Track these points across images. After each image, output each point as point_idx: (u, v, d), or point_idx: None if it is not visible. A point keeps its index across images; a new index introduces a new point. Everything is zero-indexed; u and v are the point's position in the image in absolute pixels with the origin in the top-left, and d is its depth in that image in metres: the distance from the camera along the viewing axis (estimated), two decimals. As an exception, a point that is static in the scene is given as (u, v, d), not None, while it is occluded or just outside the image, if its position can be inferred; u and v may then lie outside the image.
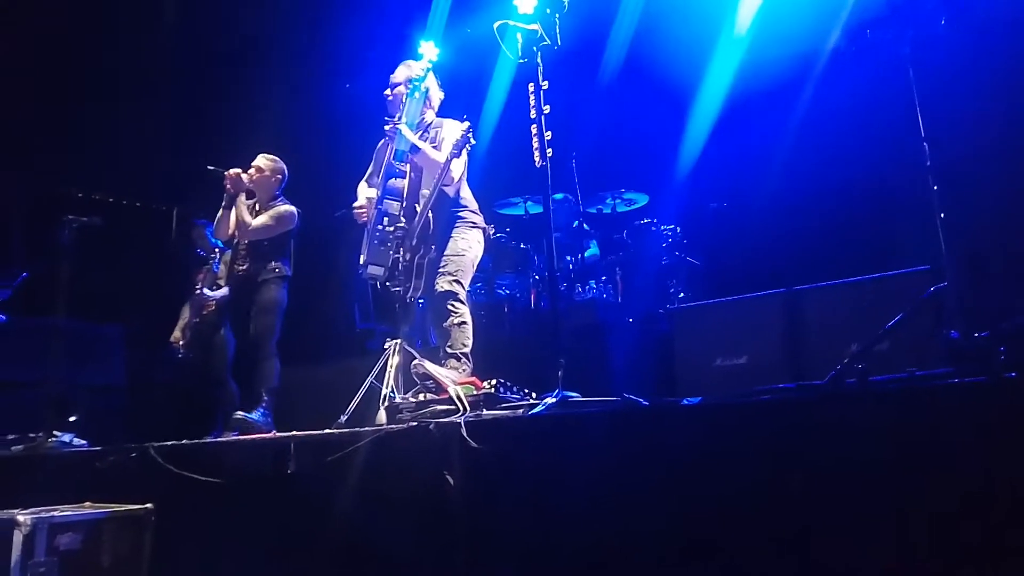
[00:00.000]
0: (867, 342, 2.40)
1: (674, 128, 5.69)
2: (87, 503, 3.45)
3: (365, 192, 4.23)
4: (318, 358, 5.56)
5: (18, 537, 2.97)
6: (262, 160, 4.75)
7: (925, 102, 2.37)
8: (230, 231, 4.67)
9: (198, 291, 5.32)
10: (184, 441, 3.88)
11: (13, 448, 4.67)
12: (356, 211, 4.17)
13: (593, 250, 5.79)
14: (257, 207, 4.72)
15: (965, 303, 2.21)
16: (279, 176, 4.76)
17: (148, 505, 3.38)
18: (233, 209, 4.60)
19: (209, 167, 4.61)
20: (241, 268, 4.66)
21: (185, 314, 5.51)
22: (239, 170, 4.60)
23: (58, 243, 5.22)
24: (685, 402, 2.39)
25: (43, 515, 3.09)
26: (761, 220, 5.19)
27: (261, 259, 4.61)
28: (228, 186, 4.57)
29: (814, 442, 2.01)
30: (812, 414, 2.07)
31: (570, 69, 4.58)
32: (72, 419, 5.22)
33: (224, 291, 5.28)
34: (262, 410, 4.29)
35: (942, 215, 2.29)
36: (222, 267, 5.37)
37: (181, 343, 5.41)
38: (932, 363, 2.35)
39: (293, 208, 4.71)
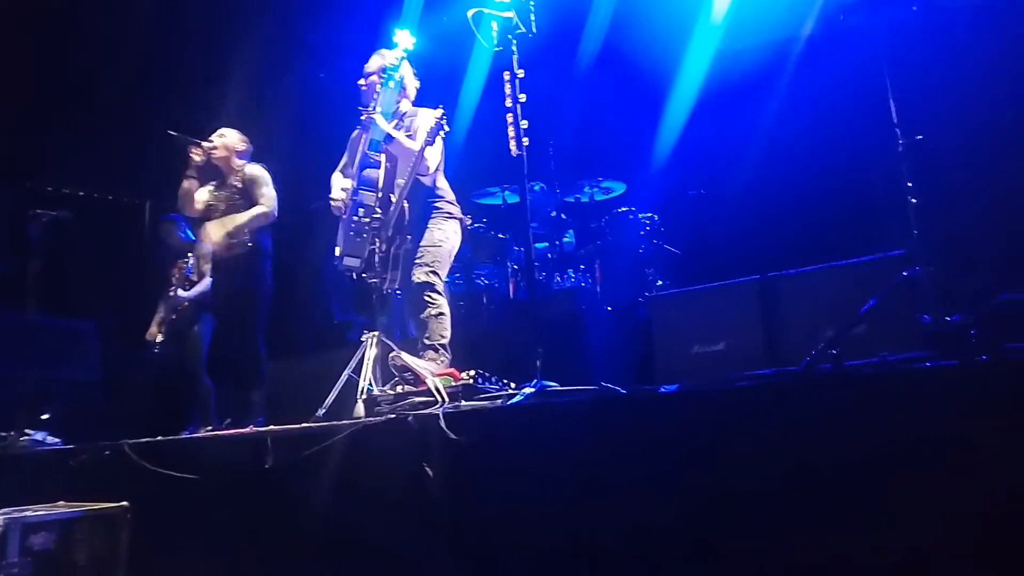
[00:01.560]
0: (841, 327, 2.42)
1: (651, 116, 5.69)
2: (61, 502, 3.40)
3: (339, 183, 4.18)
4: (295, 351, 5.52)
5: (-10, 538, 2.92)
6: (227, 131, 4.63)
7: (898, 87, 2.38)
8: (197, 206, 4.54)
9: (172, 293, 5.24)
10: (159, 438, 3.84)
11: (-16, 447, 4.60)
12: (332, 204, 4.11)
13: (569, 239, 5.78)
14: (222, 182, 4.62)
15: (937, 287, 2.23)
16: (244, 146, 4.64)
17: (124, 503, 3.34)
18: (193, 184, 4.49)
19: (171, 132, 4.45)
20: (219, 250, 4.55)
21: (161, 309, 5.44)
22: (210, 144, 4.51)
23: (28, 238, 5.14)
24: (662, 390, 2.39)
25: (16, 515, 3.05)
26: (738, 207, 5.21)
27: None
28: (197, 157, 4.44)
29: (791, 427, 2.02)
30: (788, 399, 2.08)
31: (546, 57, 4.55)
32: (45, 416, 5.16)
33: (198, 288, 5.21)
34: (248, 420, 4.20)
35: (914, 200, 2.30)
36: (196, 263, 5.30)
37: (157, 339, 5.35)
38: (906, 347, 2.37)
39: (258, 166, 4.59)
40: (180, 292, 5.22)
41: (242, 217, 4.43)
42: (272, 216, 4.50)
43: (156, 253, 5.53)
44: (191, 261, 5.30)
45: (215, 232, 4.41)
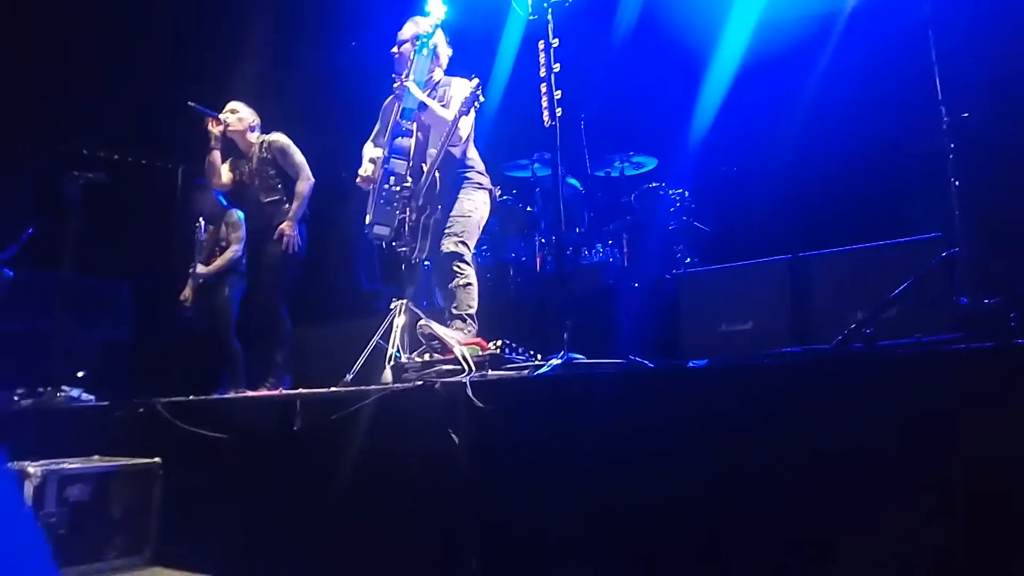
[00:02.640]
0: (875, 307, 2.39)
1: (686, 90, 5.59)
2: (96, 456, 3.50)
3: (370, 152, 4.18)
4: (325, 318, 5.57)
5: (29, 488, 3.02)
6: (240, 105, 4.73)
7: (944, 64, 2.31)
8: (224, 179, 4.69)
9: (191, 269, 5.29)
10: (191, 397, 3.92)
11: (22, 402, 4.74)
12: (360, 180, 4.12)
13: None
14: (239, 156, 4.73)
15: (976, 269, 2.19)
16: (256, 121, 4.76)
17: (156, 459, 3.42)
18: (217, 156, 4.63)
19: (191, 103, 4.57)
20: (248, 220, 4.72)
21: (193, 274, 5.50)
22: (227, 119, 4.63)
23: (65, 198, 5.23)
24: (691, 364, 2.38)
25: (53, 467, 3.14)
26: (772, 185, 5.12)
27: (274, 200, 4.57)
28: (215, 130, 4.58)
29: (819, 405, 2.01)
30: (817, 377, 2.06)
31: (581, 27, 4.48)
32: (80, 374, 5.28)
33: (219, 263, 5.23)
34: (274, 382, 4.34)
35: (956, 181, 2.25)
36: (207, 234, 5.33)
37: (189, 301, 5.40)
38: (941, 330, 2.33)
39: (279, 134, 4.69)
40: (199, 268, 5.25)
41: (297, 202, 4.55)
42: (312, 183, 4.63)
43: (189, 215, 5.57)
44: (202, 225, 5.34)
45: (288, 228, 4.50)
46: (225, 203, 5.37)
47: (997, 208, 2.28)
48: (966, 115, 2.23)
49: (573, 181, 5.63)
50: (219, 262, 5.24)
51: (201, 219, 5.35)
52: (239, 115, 4.69)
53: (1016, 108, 2.26)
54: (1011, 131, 2.26)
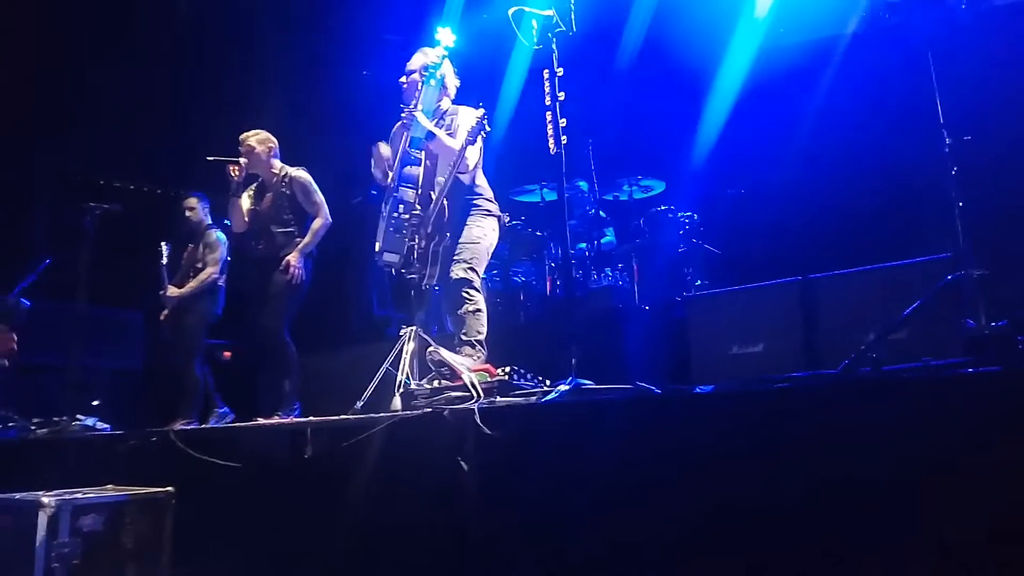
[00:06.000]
0: (882, 331, 2.38)
1: (692, 114, 5.63)
2: (109, 486, 3.51)
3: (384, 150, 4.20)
4: (336, 344, 5.60)
5: (43, 518, 3.03)
6: (251, 140, 4.70)
7: (944, 87, 2.33)
8: (246, 220, 4.69)
9: (162, 293, 5.17)
10: (203, 425, 3.94)
11: (38, 431, 4.79)
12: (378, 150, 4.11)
13: (609, 237, 5.78)
14: (263, 184, 4.73)
15: (982, 291, 2.18)
16: (270, 145, 4.72)
17: (169, 488, 3.43)
18: (240, 202, 4.62)
19: (208, 158, 4.60)
20: (259, 246, 4.67)
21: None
22: (244, 160, 4.60)
23: (80, 230, 5.30)
24: (697, 390, 2.38)
25: (67, 497, 3.16)
26: (779, 207, 5.13)
27: (287, 232, 4.59)
28: (237, 174, 4.56)
29: (826, 430, 2.00)
30: (824, 403, 2.06)
31: (586, 55, 4.54)
32: (95, 403, 5.31)
33: (191, 286, 5.13)
34: (285, 412, 4.35)
35: (960, 202, 2.25)
36: (186, 253, 5.26)
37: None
38: (949, 353, 2.32)
39: (303, 171, 4.70)
40: (171, 290, 5.13)
41: (309, 237, 4.60)
42: (329, 224, 4.66)
43: (176, 231, 5.53)
44: (164, 249, 5.24)
45: (294, 259, 4.53)
46: (210, 221, 5.32)
47: (1001, 230, 2.28)
48: (968, 138, 2.24)
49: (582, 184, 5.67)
50: (193, 284, 5.12)
51: (163, 243, 5.26)
52: (254, 148, 4.66)
53: (1016, 132, 2.26)
54: (1011, 154, 2.26)
